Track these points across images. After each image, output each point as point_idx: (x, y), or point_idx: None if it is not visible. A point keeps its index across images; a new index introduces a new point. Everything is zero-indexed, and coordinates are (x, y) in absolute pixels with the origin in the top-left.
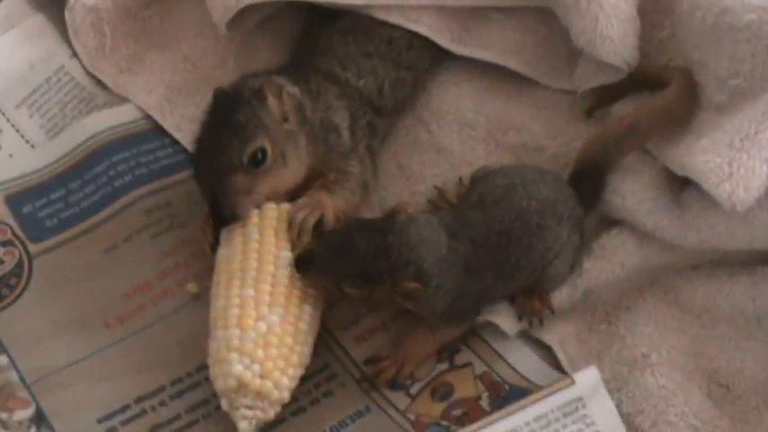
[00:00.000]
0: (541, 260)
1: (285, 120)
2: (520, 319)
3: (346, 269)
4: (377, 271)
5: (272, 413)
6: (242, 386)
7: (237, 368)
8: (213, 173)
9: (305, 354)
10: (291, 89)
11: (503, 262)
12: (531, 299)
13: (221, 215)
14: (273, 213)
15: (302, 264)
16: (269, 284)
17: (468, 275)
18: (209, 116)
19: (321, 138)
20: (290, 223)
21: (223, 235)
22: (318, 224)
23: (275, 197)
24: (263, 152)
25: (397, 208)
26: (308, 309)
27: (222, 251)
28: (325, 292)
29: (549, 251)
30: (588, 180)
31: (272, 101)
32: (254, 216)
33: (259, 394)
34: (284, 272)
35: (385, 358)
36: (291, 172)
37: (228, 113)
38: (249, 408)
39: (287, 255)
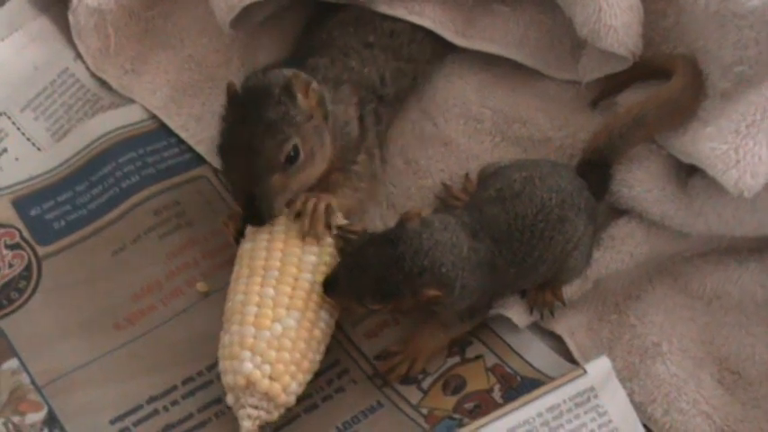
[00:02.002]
0: (562, 252)
1: (311, 116)
2: (531, 311)
3: (365, 287)
4: (394, 284)
5: (275, 415)
6: (250, 385)
7: (248, 366)
8: (250, 174)
9: (316, 361)
10: (315, 84)
11: (525, 256)
12: (542, 291)
13: (258, 215)
14: None
15: (328, 287)
16: (290, 287)
17: (491, 273)
18: (236, 112)
19: (339, 131)
20: (301, 214)
21: (249, 229)
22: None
23: (301, 191)
24: (297, 150)
25: (407, 215)
26: (324, 316)
27: (246, 246)
28: (355, 312)
29: (568, 243)
30: (596, 171)
31: (300, 97)
32: (283, 215)
33: (266, 395)
34: (306, 276)
35: (396, 354)
36: (317, 167)
37: (259, 111)
38: (255, 407)
39: (311, 259)
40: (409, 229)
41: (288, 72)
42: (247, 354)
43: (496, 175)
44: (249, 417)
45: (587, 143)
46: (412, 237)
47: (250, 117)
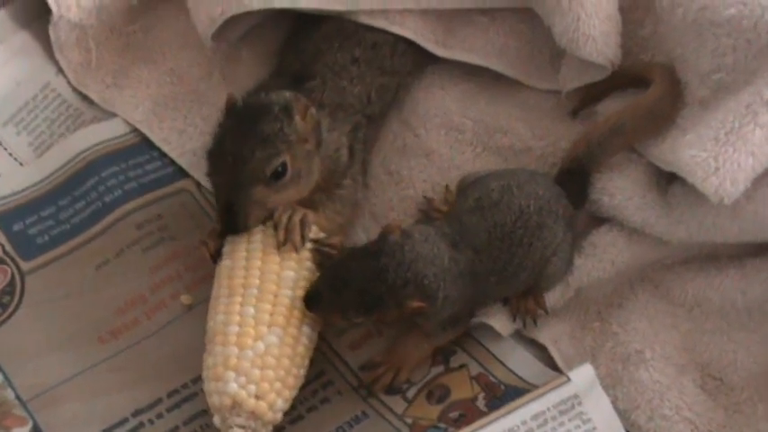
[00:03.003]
0: (541, 258)
1: (305, 140)
2: (514, 319)
3: (348, 300)
4: (377, 296)
5: None
6: (236, 405)
7: (233, 386)
8: (234, 181)
9: (300, 376)
10: (313, 110)
11: (505, 264)
12: (525, 299)
13: (233, 224)
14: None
15: (310, 302)
16: (270, 304)
17: (473, 282)
18: (231, 123)
19: (328, 157)
20: (276, 225)
21: (226, 247)
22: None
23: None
24: (284, 168)
25: (388, 228)
26: (306, 330)
27: (225, 264)
28: (337, 325)
29: (547, 249)
30: (575, 180)
31: (298, 120)
32: (259, 232)
33: (253, 414)
34: (286, 292)
35: (380, 364)
36: (301, 190)
37: (254, 124)
38: (242, 427)
39: (290, 275)
40: (391, 242)
41: (290, 94)
42: (231, 374)
43: (475, 185)
44: None
45: (566, 152)
46: (394, 249)
47: (245, 128)
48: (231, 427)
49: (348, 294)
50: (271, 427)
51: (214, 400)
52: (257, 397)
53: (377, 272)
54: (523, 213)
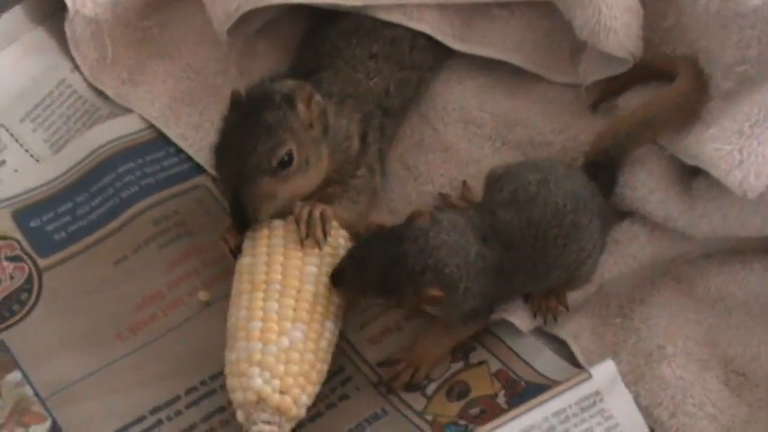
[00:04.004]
0: (576, 260)
1: (311, 126)
2: (534, 316)
3: (369, 280)
4: (397, 280)
5: (287, 429)
6: (261, 400)
7: (257, 382)
8: (240, 174)
9: (323, 371)
10: (318, 97)
11: (536, 263)
12: (546, 297)
13: (243, 217)
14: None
15: (335, 279)
16: (293, 299)
17: (498, 279)
18: (235, 116)
19: (338, 146)
20: (297, 221)
21: (246, 243)
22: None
23: (291, 202)
24: (290, 156)
25: (416, 212)
26: (329, 326)
27: (245, 260)
28: (360, 305)
29: (583, 251)
30: (601, 173)
31: (301, 107)
32: (280, 228)
33: (278, 410)
34: (309, 287)
35: (399, 361)
36: (311, 178)
37: (257, 115)
38: (266, 423)
39: (312, 270)
40: (416, 227)
41: (292, 83)
42: (256, 370)
43: (509, 176)
44: None
45: (592, 144)
46: (417, 234)
47: (249, 120)
48: (256, 423)
49: (370, 275)
50: (294, 423)
51: (238, 396)
52: (282, 392)
53: (397, 255)
54: (559, 211)
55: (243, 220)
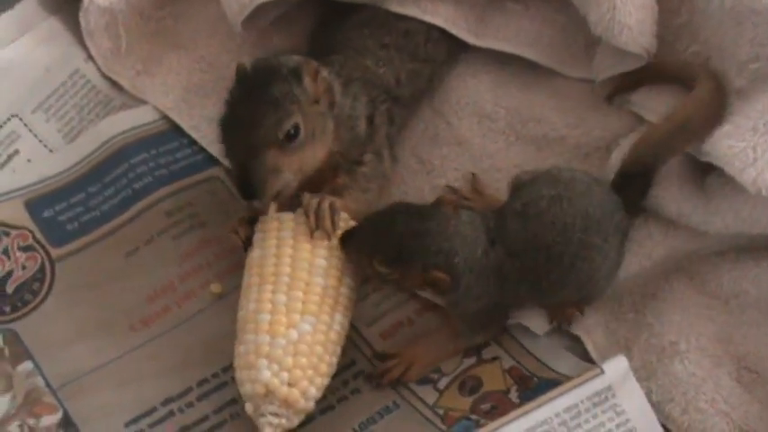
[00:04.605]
0: (589, 279)
1: (317, 101)
2: (550, 322)
3: (382, 245)
4: (409, 252)
5: (296, 422)
6: (269, 393)
7: (266, 374)
8: (247, 146)
9: (333, 364)
10: (324, 73)
11: (539, 277)
12: (563, 307)
13: (249, 190)
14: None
15: (346, 238)
16: (302, 292)
17: (499, 284)
18: (241, 89)
19: (343, 123)
20: (306, 212)
21: (256, 236)
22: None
23: (296, 178)
24: (297, 129)
25: (445, 198)
26: (338, 318)
27: (255, 253)
28: (359, 269)
29: (596, 270)
30: (635, 183)
31: (308, 81)
32: (289, 220)
33: (286, 402)
34: (318, 280)
35: (394, 356)
36: (317, 152)
37: (264, 88)
38: (275, 415)
39: (322, 263)
40: (442, 212)
41: (299, 57)
42: (264, 362)
43: (528, 187)
44: (270, 425)
45: (627, 154)
46: (441, 218)
47: (255, 93)
48: (264, 415)
49: (384, 240)
50: (303, 416)
51: (246, 389)
52: (290, 384)
53: (418, 231)
54: (567, 230)
55: (249, 193)
